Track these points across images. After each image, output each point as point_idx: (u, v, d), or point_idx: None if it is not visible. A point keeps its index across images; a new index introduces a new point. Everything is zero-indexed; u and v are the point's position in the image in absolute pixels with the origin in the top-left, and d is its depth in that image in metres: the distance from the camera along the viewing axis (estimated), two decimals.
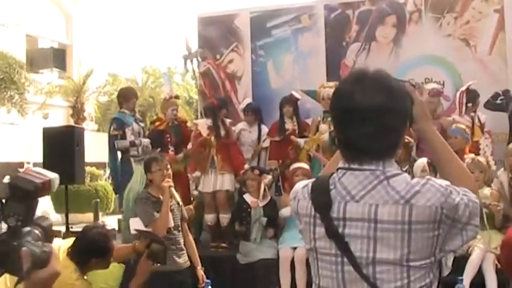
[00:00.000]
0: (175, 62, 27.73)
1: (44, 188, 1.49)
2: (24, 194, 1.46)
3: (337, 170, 1.70)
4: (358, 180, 1.63)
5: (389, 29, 7.89)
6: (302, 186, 1.79)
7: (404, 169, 6.23)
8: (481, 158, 5.97)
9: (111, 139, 7.36)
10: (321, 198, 1.66)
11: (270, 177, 6.82)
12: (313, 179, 1.78)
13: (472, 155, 5.99)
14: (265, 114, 7.64)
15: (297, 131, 7.27)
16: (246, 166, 6.96)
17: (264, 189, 6.53)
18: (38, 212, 1.54)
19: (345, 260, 1.62)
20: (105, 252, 3.56)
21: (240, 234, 6.51)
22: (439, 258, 1.63)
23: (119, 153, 7.50)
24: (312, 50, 8.13)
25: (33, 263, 1.41)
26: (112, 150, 7.43)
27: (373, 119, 1.61)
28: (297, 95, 7.38)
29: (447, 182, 1.63)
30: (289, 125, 7.31)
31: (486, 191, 5.80)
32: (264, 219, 6.37)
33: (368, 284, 1.59)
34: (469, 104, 6.94)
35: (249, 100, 7.88)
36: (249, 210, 6.42)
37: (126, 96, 7.71)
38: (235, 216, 6.61)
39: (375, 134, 1.62)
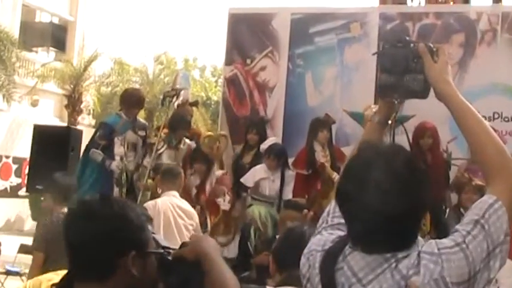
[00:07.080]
0: (194, 53, 25.95)
1: None
2: None
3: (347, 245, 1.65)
4: (365, 262, 1.59)
5: (455, 49, 7.13)
6: (320, 247, 1.70)
7: None
8: None
9: (91, 145, 6.72)
10: (328, 276, 1.63)
11: (311, 213, 5.90)
12: (332, 239, 1.70)
13: None
14: (297, 136, 6.99)
15: (329, 163, 6.34)
16: None
17: None
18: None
19: None
20: None
21: None
22: None
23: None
24: (359, 64, 7.36)
25: None
26: (85, 155, 6.81)
27: (386, 221, 1.54)
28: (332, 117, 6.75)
29: (443, 242, 1.58)
30: (320, 155, 6.46)
31: None
32: None
33: None
34: None
35: (274, 140, 6.93)
36: None
37: (128, 102, 6.85)
38: None
39: (388, 233, 1.55)
